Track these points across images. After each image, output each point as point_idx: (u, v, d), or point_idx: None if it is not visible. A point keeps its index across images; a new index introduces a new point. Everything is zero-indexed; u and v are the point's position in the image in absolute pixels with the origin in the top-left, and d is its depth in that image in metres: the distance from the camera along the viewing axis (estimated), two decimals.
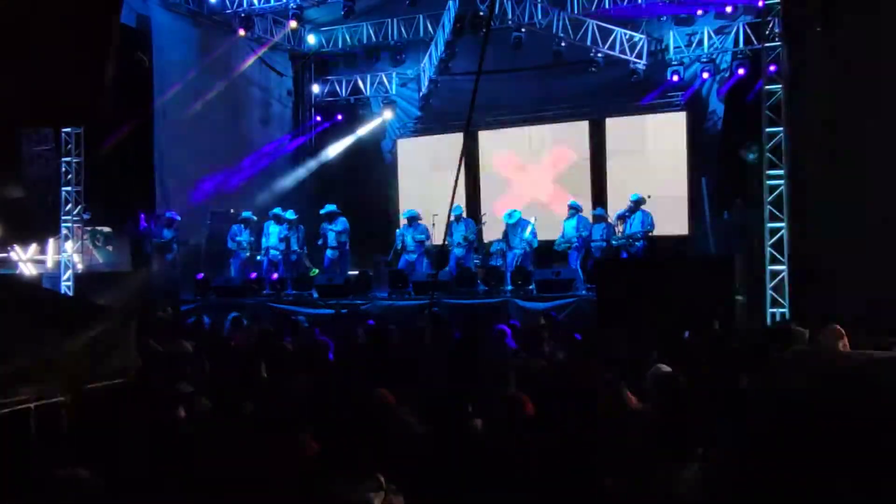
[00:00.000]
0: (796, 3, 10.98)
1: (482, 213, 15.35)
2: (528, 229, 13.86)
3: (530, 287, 12.64)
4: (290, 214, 15.08)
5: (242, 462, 3.49)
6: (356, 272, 14.32)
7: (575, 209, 14.06)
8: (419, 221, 14.51)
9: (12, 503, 3.30)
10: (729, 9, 14.70)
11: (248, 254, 15.08)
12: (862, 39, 10.13)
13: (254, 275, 14.64)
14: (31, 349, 3.56)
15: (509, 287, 12.86)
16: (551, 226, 14.73)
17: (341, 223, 14.84)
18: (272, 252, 14.97)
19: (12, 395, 3.77)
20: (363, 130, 18.79)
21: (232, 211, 15.40)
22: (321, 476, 3.30)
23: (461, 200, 16.90)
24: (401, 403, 4.70)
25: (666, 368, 5.50)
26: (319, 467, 3.42)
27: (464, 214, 14.58)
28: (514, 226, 13.96)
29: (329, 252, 14.83)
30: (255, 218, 15.20)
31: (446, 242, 13.76)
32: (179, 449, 3.84)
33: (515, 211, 14.25)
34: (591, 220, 14.11)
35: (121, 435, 4.46)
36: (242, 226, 15.09)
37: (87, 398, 4.31)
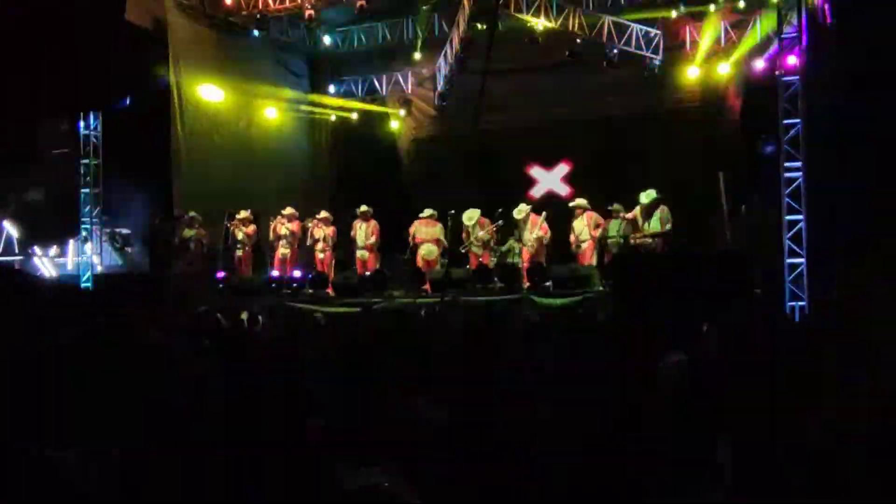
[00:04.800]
0: None
1: (499, 210, 15.24)
2: (538, 226, 13.83)
3: (547, 284, 12.60)
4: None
5: (245, 444, 3.48)
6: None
7: (582, 208, 13.96)
8: (436, 221, 14.49)
9: None
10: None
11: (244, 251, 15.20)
12: (878, 29, 10.01)
13: (273, 273, 14.75)
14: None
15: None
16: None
17: (373, 224, 15.04)
18: (283, 251, 15.14)
19: None
20: (379, 130, 18.84)
21: (249, 211, 15.43)
22: (323, 462, 3.28)
23: (477, 200, 16.90)
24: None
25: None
26: (322, 453, 3.41)
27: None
28: (524, 221, 13.96)
29: (359, 252, 15.01)
30: (249, 216, 15.26)
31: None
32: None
33: (524, 205, 14.24)
34: (605, 215, 14.05)
35: None
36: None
37: None
